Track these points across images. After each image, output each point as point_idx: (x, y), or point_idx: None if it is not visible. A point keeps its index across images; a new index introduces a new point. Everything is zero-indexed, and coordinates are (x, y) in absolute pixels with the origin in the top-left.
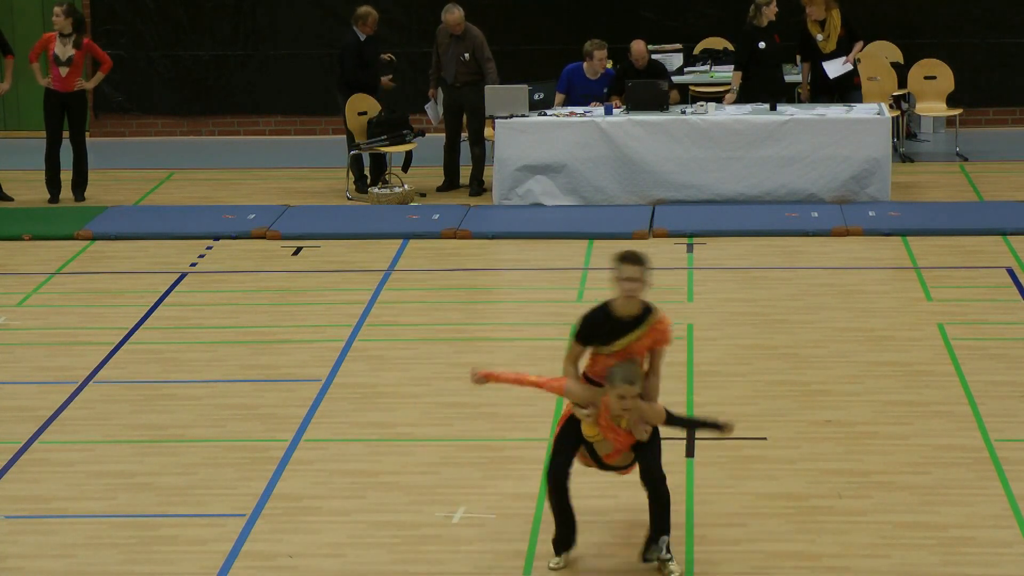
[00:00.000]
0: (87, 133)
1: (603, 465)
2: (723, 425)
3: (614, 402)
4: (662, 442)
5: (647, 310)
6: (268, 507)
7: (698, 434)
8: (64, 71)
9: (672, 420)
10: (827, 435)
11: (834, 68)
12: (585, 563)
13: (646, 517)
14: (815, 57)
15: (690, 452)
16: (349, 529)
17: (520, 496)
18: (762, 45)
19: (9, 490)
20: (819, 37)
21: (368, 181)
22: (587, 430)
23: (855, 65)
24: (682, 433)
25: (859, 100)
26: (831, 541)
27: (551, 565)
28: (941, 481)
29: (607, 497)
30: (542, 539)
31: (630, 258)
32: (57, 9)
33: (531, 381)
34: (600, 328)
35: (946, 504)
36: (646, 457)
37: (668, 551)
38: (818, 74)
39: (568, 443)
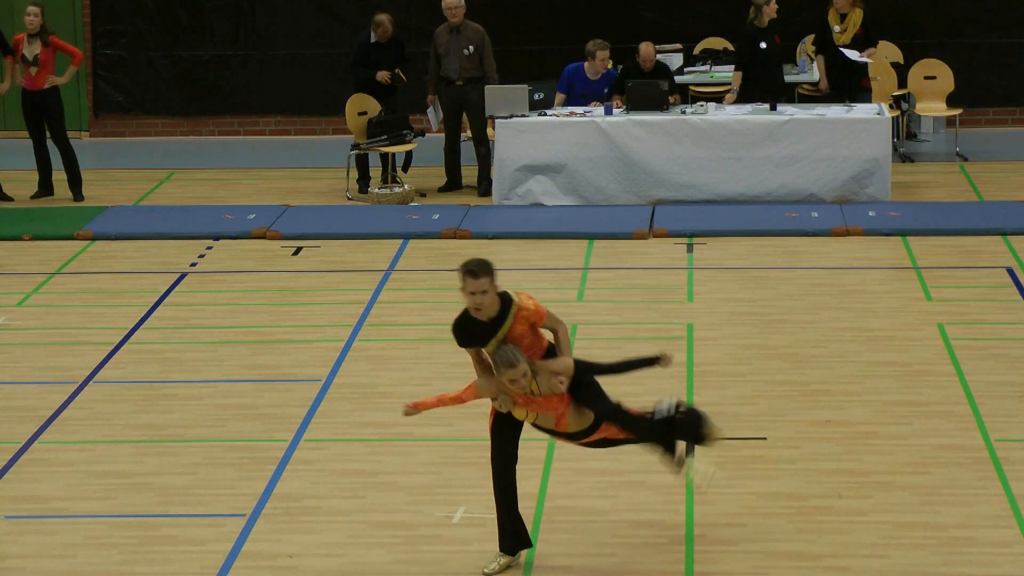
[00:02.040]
0: (87, 133)
1: (568, 436)
2: (659, 357)
3: (510, 387)
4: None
5: (505, 305)
6: (268, 507)
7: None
8: (33, 70)
9: (587, 369)
10: (827, 435)
11: (853, 54)
12: (585, 563)
13: (646, 517)
14: (827, 49)
15: (690, 452)
16: (349, 529)
17: (519, 496)
18: (763, 45)
19: (9, 490)
20: (836, 28)
21: (385, 178)
22: (518, 415)
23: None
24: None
25: (868, 101)
26: (831, 541)
27: (486, 570)
28: (941, 481)
29: (607, 497)
30: (542, 539)
31: (471, 272)
32: (35, 9)
33: (450, 398)
34: (473, 332)
35: (946, 504)
36: (592, 403)
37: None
38: (830, 70)
39: (504, 438)
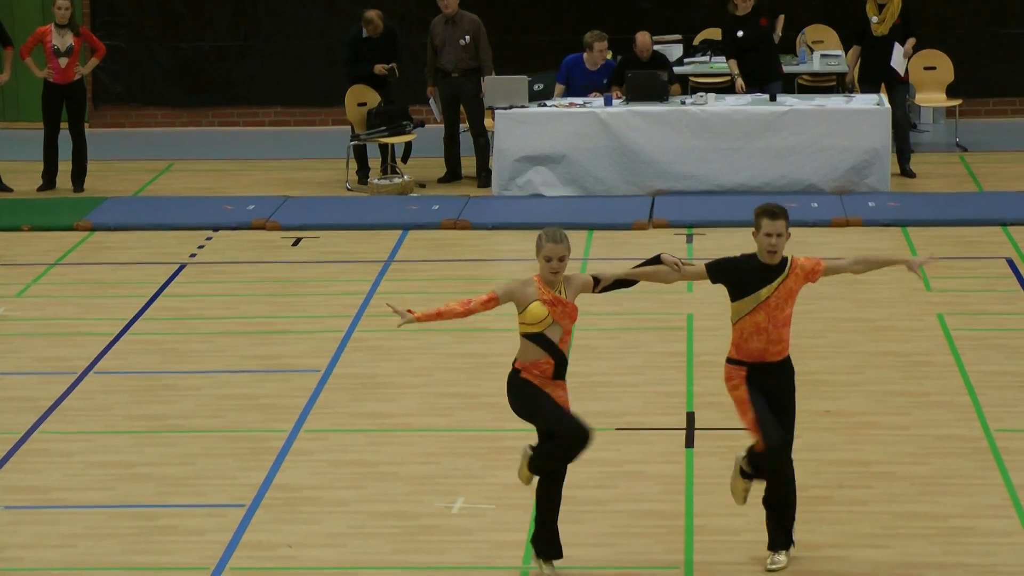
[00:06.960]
0: (87, 124)
1: (558, 368)
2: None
3: (543, 267)
4: (662, 432)
5: (785, 259)
6: (268, 497)
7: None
8: (64, 61)
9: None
10: (827, 425)
11: (898, 60)
12: (585, 553)
13: (646, 507)
14: (865, 40)
15: (690, 442)
16: (349, 519)
17: (519, 486)
18: (740, 33)
19: (9, 480)
20: (874, 19)
21: (384, 169)
22: (538, 312)
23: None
24: (682, 422)
25: (905, 94)
26: (831, 531)
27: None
28: (941, 471)
29: (606, 487)
30: None
31: (771, 213)
32: (65, 2)
33: (456, 310)
34: (738, 271)
35: (946, 494)
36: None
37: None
38: (867, 61)
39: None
